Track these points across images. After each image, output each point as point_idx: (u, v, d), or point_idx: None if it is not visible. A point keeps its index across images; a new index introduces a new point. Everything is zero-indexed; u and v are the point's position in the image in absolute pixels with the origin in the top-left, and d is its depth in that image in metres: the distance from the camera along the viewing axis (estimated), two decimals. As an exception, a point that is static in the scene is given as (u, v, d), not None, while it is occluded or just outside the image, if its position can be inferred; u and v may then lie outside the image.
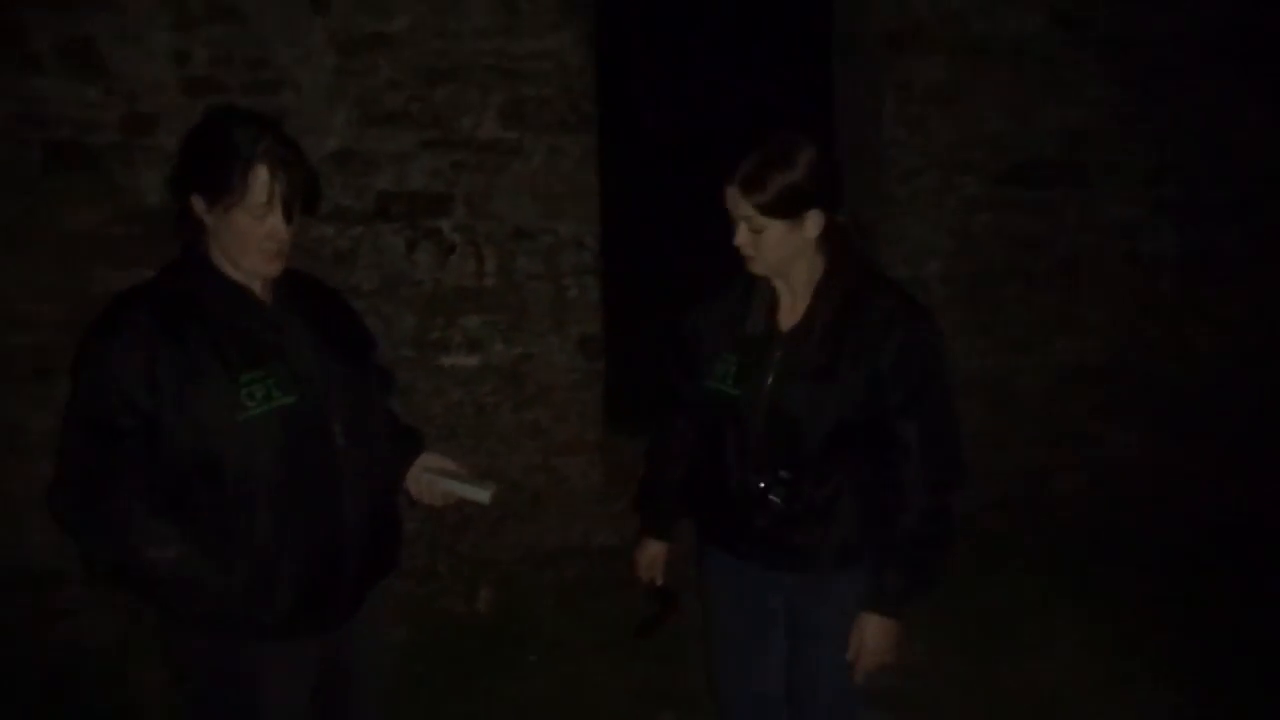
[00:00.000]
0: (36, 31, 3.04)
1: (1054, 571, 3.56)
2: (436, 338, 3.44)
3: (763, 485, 1.95)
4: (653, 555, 2.25)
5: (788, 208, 1.87)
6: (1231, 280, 4.02)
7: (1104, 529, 3.82)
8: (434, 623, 3.36)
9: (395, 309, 3.37)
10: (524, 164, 3.43)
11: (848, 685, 2.02)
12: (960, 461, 1.95)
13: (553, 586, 3.53)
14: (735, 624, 2.16)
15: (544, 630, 3.35)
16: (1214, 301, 4.02)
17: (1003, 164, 3.82)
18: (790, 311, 1.98)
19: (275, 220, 1.70)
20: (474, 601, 3.50)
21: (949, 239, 3.82)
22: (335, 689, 1.91)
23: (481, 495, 1.92)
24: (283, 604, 1.74)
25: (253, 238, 1.70)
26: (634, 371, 3.91)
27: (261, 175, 1.67)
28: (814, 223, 1.90)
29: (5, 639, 3.11)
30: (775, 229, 1.88)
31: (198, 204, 1.72)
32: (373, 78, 3.29)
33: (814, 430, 1.91)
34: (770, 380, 1.94)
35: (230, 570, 1.70)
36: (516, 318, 3.48)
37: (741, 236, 1.91)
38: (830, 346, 1.91)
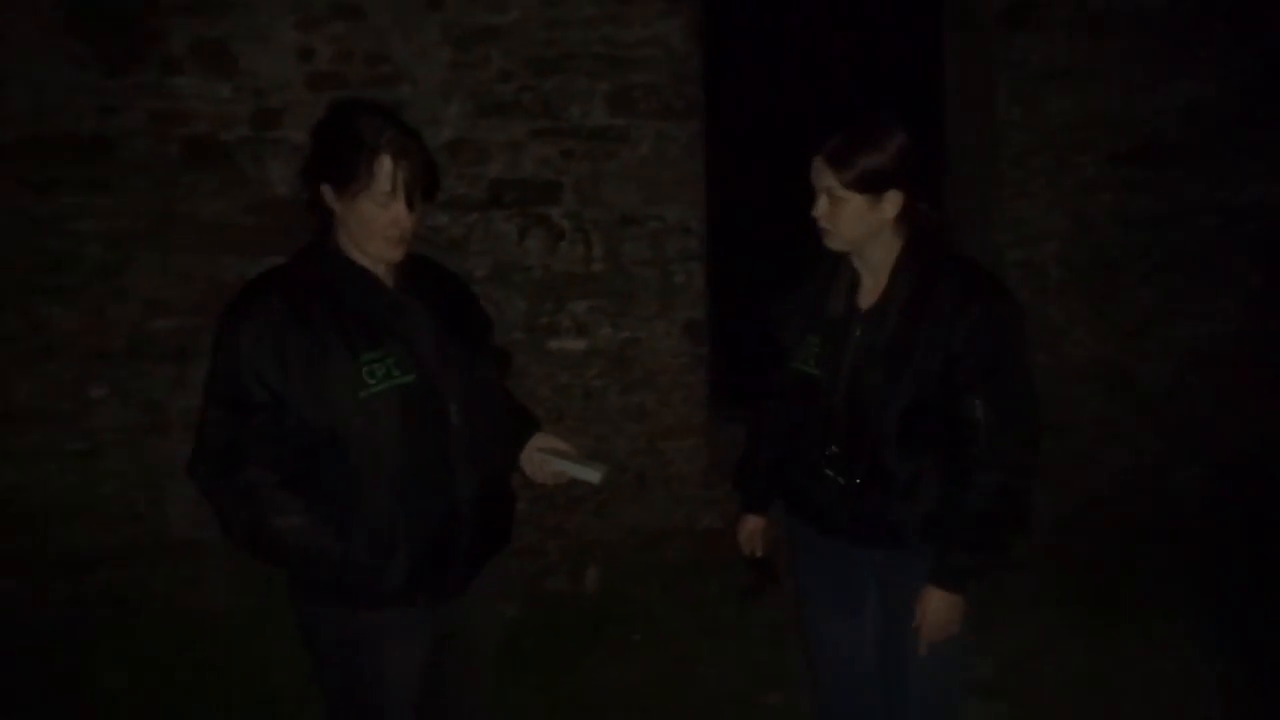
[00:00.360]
0: (176, 34, 3.23)
1: (1174, 566, 3.44)
2: (546, 322, 3.53)
3: (819, 461, 2.03)
4: (751, 529, 2.33)
5: (869, 184, 1.92)
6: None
7: (1226, 523, 3.66)
8: (542, 600, 3.46)
9: (506, 294, 3.47)
10: (631, 151, 3.48)
11: (941, 663, 2.05)
12: (1031, 443, 1.97)
13: (657, 568, 3.58)
14: (824, 600, 2.22)
15: (649, 611, 3.41)
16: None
17: (1121, 143, 3.69)
18: (869, 292, 2.03)
19: (399, 207, 1.78)
20: (580, 581, 3.59)
21: (1065, 221, 3.71)
22: (449, 659, 2.00)
23: (593, 476, 1.98)
24: (399, 573, 1.83)
25: (378, 224, 1.79)
26: (738, 356, 3.94)
27: (385, 164, 1.75)
28: (892, 203, 1.95)
29: (148, 606, 3.34)
30: (854, 203, 1.93)
31: (327, 193, 1.81)
32: (485, 69, 3.38)
33: (890, 409, 1.95)
34: (848, 360, 2.00)
35: (350, 539, 1.79)
36: (623, 302, 3.54)
37: (820, 208, 1.96)
38: (905, 326, 1.96)
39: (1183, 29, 3.64)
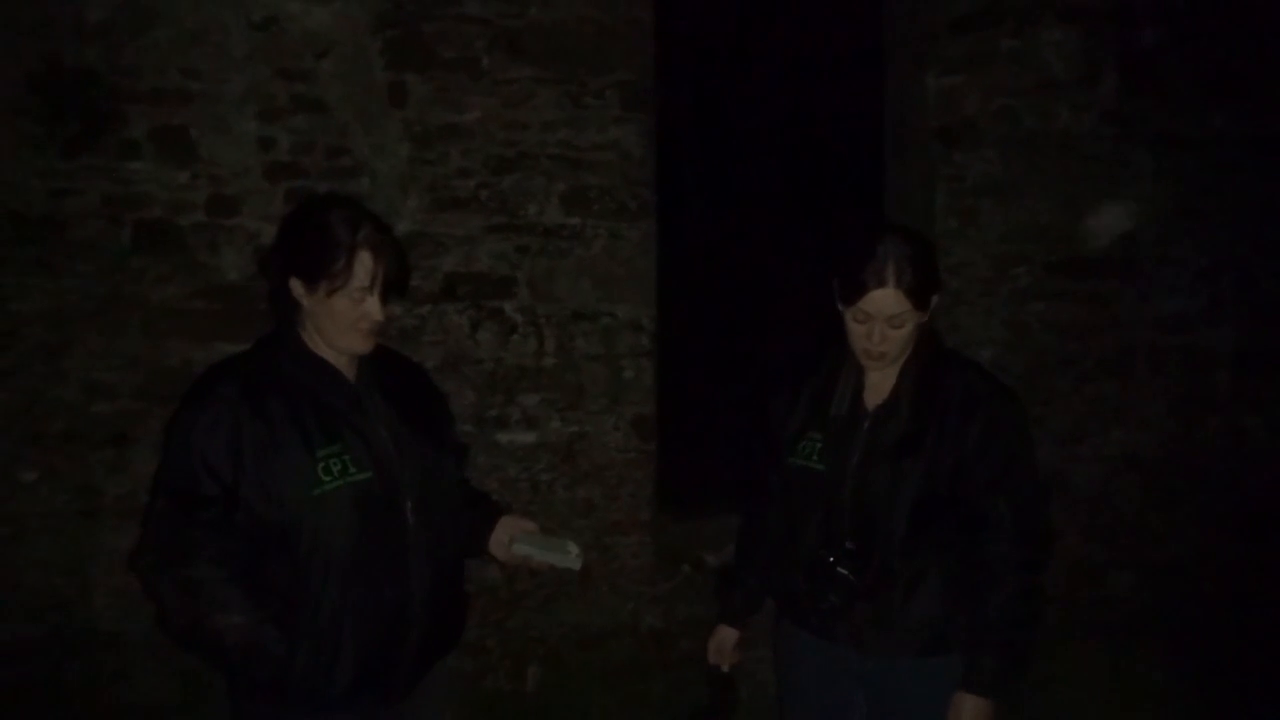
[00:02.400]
0: (136, 120, 3.25)
1: (1111, 669, 3.48)
2: (495, 414, 3.53)
3: (832, 559, 1.98)
4: (725, 641, 2.27)
5: (930, 299, 1.95)
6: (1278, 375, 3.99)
7: (1156, 626, 3.73)
8: (482, 699, 3.37)
9: (457, 385, 3.47)
10: (585, 249, 3.56)
11: None
12: (1049, 539, 1.99)
13: (600, 666, 3.53)
14: (811, 706, 2.16)
15: (591, 711, 3.34)
16: (1270, 396, 3.99)
17: (1054, 256, 3.86)
18: (876, 391, 2.04)
19: (373, 302, 1.80)
20: (522, 679, 3.51)
21: (1001, 329, 3.85)
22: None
23: (573, 563, 1.96)
24: (344, 676, 1.78)
25: (349, 318, 1.79)
26: (685, 453, 3.97)
27: (365, 261, 1.77)
28: (931, 309, 1.98)
29: (65, 698, 3.18)
30: (914, 321, 1.95)
31: (296, 286, 1.81)
32: (444, 165, 3.45)
33: (899, 506, 1.95)
34: (857, 457, 1.99)
35: (295, 640, 1.75)
36: (573, 397, 3.56)
37: (880, 336, 1.93)
38: (916, 424, 1.96)
39: (1110, 155, 3.86)
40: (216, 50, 3.27)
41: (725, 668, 2.26)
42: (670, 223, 3.98)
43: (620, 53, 3.53)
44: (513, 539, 2.00)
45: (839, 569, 1.97)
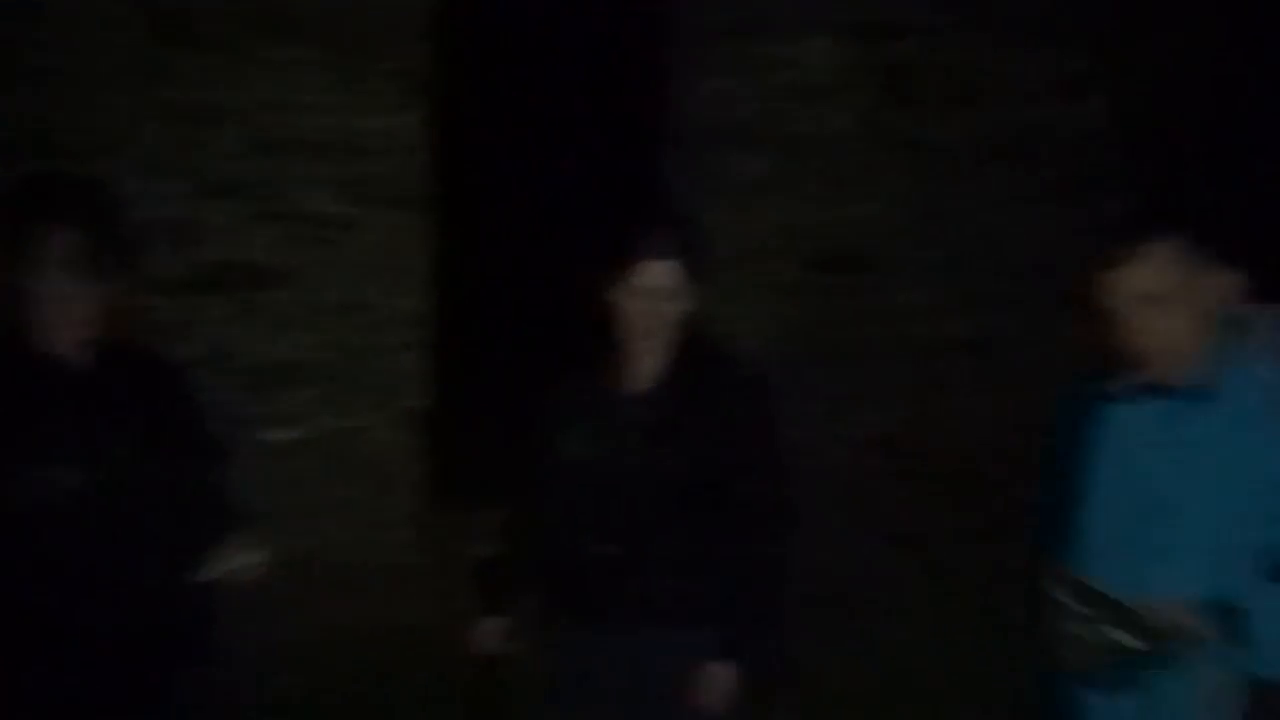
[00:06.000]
0: None
1: (854, 637, 3.78)
2: (261, 411, 3.43)
3: (594, 542, 2.06)
4: (491, 632, 2.31)
5: (700, 280, 2.05)
6: (1003, 361, 4.46)
7: (899, 591, 4.10)
8: (234, 712, 3.25)
9: (222, 380, 3.35)
10: (359, 238, 3.50)
11: None
12: (793, 517, 2.13)
13: (368, 667, 3.48)
14: (574, 690, 2.21)
15: (356, 714, 3.29)
16: (994, 380, 4.44)
17: (814, 252, 4.12)
18: (640, 378, 2.11)
19: (62, 281, 1.69)
20: (280, 686, 3.42)
21: (766, 321, 4.08)
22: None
23: (254, 556, 1.93)
24: (70, 687, 1.73)
25: (40, 298, 1.69)
26: (459, 447, 3.97)
27: (42, 233, 1.67)
28: (700, 293, 2.08)
29: None
30: (684, 300, 2.04)
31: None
32: (209, 149, 3.31)
33: (662, 488, 2.04)
34: (620, 442, 2.06)
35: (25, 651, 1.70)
36: (343, 391, 3.51)
37: (651, 312, 2.02)
38: (678, 409, 2.06)
39: (863, 157, 4.15)
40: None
41: (492, 658, 2.30)
42: (462, 215, 3.97)
43: (399, 40, 3.48)
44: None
45: (601, 551, 2.07)
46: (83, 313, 1.72)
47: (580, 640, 2.18)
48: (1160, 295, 1.64)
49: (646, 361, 2.11)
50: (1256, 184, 4.49)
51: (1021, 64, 4.34)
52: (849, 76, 4.11)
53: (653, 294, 2.01)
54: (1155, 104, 4.42)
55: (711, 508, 2.08)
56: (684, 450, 2.05)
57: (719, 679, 2.09)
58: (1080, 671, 1.73)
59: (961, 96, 4.29)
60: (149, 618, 1.85)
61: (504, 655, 2.32)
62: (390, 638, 3.54)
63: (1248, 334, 1.67)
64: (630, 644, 2.13)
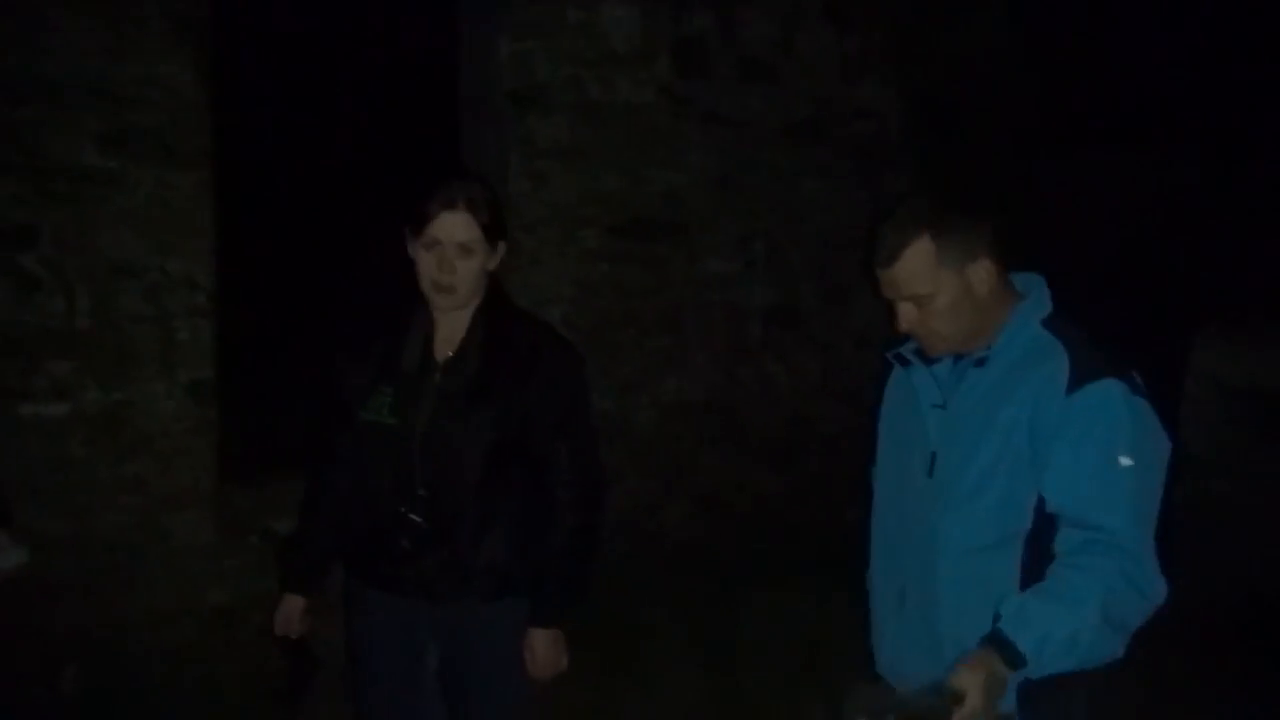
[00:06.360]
0: None
1: (668, 597, 3.85)
2: (15, 384, 3.07)
3: (403, 508, 2.02)
4: (295, 610, 2.20)
5: (498, 236, 2.04)
6: (806, 328, 4.65)
7: (705, 554, 4.20)
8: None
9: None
10: (127, 196, 3.18)
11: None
12: (603, 480, 2.15)
13: (160, 653, 3.23)
14: (384, 665, 2.16)
15: (150, 702, 3.06)
16: (792, 346, 4.62)
17: (617, 219, 4.14)
18: (446, 342, 2.07)
19: None
20: (56, 683, 3.10)
21: (570, 287, 4.06)
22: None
23: (16, 556, 1.81)
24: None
25: None
26: (252, 418, 3.74)
27: None
28: (499, 254, 2.06)
29: None
30: (482, 254, 2.02)
31: None
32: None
33: (469, 454, 2.01)
34: (427, 408, 2.02)
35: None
36: (115, 362, 3.19)
37: (449, 265, 1.99)
38: (484, 374, 2.03)
39: (664, 127, 4.20)
40: None
41: (295, 637, 2.20)
42: (239, 172, 3.70)
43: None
44: None
45: (410, 515, 2.02)
46: None
47: (390, 612, 2.12)
48: (923, 295, 1.71)
49: (449, 325, 2.08)
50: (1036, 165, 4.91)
51: (814, 43, 4.52)
52: (645, 46, 4.13)
53: (448, 246, 1.98)
54: (943, 86, 4.73)
55: (522, 473, 2.06)
56: (491, 416, 2.02)
57: (543, 647, 2.09)
58: None
59: (755, 73, 4.41)
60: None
61: (311, 634, 2.22)
62: (183, 621, 3.29)
63: (1021, 300, 1.77)
64: (445, 615, 2.10)
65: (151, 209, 3.22)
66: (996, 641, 1.54)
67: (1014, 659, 1.53)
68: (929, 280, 1.70)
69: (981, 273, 1.72)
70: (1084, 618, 1.54)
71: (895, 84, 4.75)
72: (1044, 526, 1.66)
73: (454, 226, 1.97)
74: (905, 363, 1.87)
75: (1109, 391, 1.63)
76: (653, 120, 4.19)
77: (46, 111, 3.06)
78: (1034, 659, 1.53)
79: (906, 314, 1.75)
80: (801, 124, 4.55)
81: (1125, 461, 1.61)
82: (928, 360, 1.82)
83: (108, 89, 3.14)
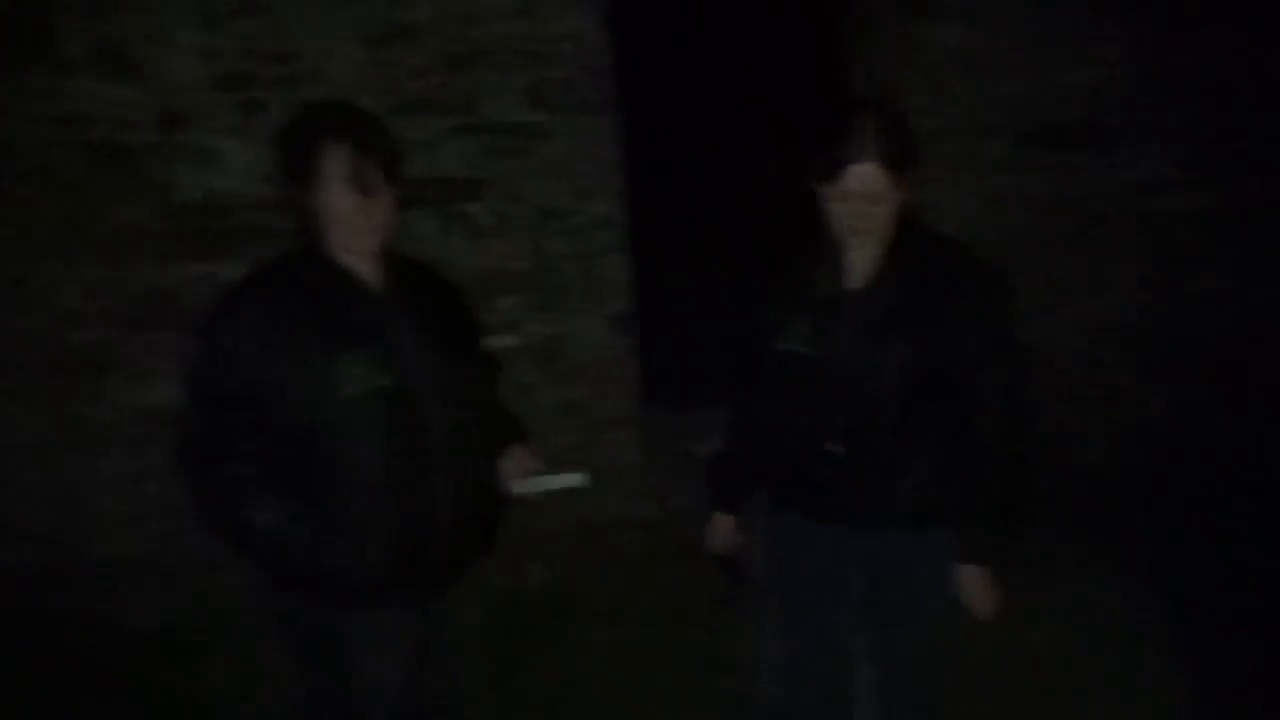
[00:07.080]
0: (69, 36, 3.09)
1: (1086, 537, 3.58)
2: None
3: (822, 438, 1.99)
4: (724, 527, 2.31)
5: (909, 172, 1.91)
6: (1252, 235, 4.03)
7: (1136, 494, 3.82)
8: (487, 600, 3.41)
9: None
10: (550, 146, 3.47)
11: (936, 656, 2.14)
12: (1032, 411, 2.01)
13: (597, 561, 3.58)
14: (808, 594, 2.20)
15: (594, 604, 3.39)
16: (1235, 257, 4.03)
17: (1023, 126, 3.83)
18: (860, 271, 2.00)
19: (344, 195, 1.78)
20: (522, 578, 3.56)
21: (972, 203, 3.84)
22: (428, 665, 2.00)
23: (574, 479, 2.05)
24: (372, 572, 1.83)
25: (339, 213, 1.79)
26: (667, 346, 3.97)
27: (330, 152, 1.76)
28: (909, 181, 1.94)
29: (66, 626, 3.20)
30: (894, 196, 1.91)
31: (295, 191, 1.81)
32: (398, 66, 3.33)
33: (887, 384, 1.94)
34: (844, 338, 1.97)
35: (324, 538, 1.80)
36: (550, 298, 3.53)
37: (862, 213, 1.90)
38: (902, 302, 1.94)
39: (1074, 19, 3.79)
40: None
41: (729, 552, 2.30)
42: (640, 113, 3.88)
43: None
44: (515, 483, 2.04)
45: (829, 447, 1.99)
46: (366, 225, 1.80)
47: (812, 537, 2.13)
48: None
49: (863, 256, 1.99)
50: None
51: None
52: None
53: (862, 197, 1.89)
54: None
55: (944, 404, 1.96)
56: (910, 346, 1.93)
57: (974, 584, 2.02)
58: None
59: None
60: (473, 506, 1.95)
61: (738, 550, 2.30)
62: (617, 534, 3.60)
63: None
64: (868, 543, 2.08)
65: (570, 156, 3.48)
66: None
67: None
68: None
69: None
70: None
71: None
72: None
73: (865, 178, 1.86)
74: None
75: None
76: (1059, 14, 3.79)
77: (481, 75, 3.40)
78: None
79: None
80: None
81: None
82: None
83: (528, 48, 3.41)
